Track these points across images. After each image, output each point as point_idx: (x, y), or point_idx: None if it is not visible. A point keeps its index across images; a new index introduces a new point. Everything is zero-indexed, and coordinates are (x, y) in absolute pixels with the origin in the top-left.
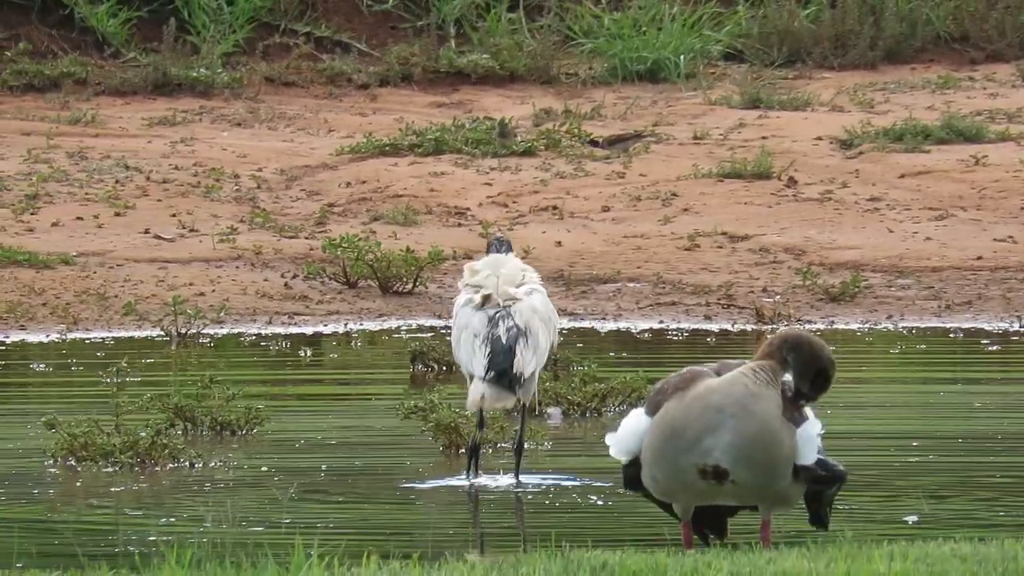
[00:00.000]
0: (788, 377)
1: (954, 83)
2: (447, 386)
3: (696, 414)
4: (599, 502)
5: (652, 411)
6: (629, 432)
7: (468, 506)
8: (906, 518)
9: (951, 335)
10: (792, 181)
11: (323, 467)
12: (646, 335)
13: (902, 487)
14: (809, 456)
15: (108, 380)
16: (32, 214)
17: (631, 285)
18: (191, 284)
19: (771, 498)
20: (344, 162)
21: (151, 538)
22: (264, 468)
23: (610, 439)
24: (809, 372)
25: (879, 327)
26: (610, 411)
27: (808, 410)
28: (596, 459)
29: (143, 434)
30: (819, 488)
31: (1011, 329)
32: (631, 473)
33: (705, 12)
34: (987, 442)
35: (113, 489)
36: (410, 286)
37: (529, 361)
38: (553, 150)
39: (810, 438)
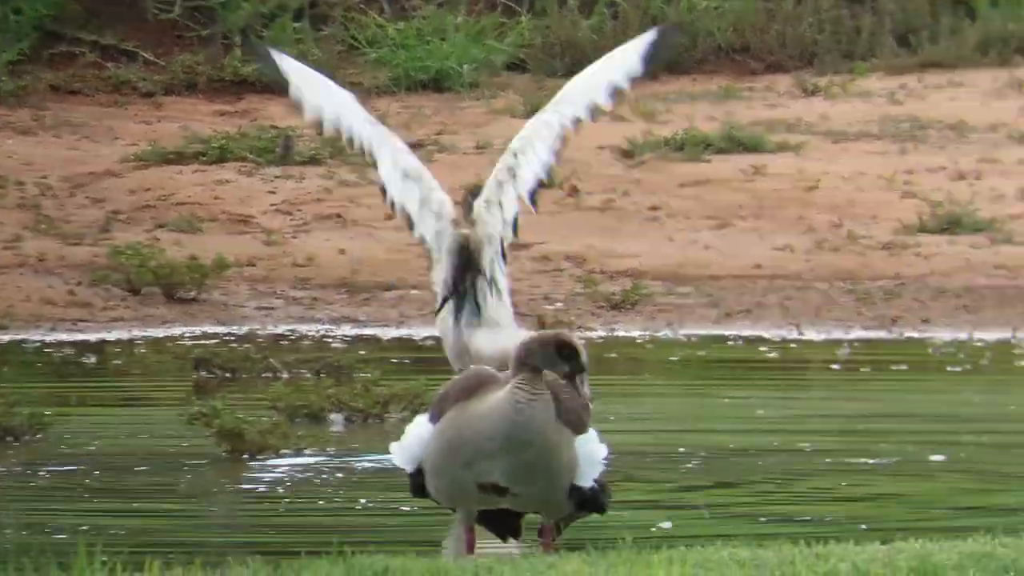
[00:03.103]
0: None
1: (735, 94)
2: (230, 392)
3: (469, 438)
4: (378, 506)
5: (435, 418)
6: (413, 439)
7: (251, 510)
8: (660, 524)
9: (730, 343)
10: (574, 190)
11: (106, 473)
12: (429, 342)
13: (667, 491)
14: (588, 479)
15: None
16: None
17: (414, 292)
18: None
19: (553, 508)
20: (129, 170)
21: None
22: (45, 473)
23: (395, 447)
24: (552, 355)
25: (659, 335)
26: (393, 417)
27: (593, 431)
28: (380, 463)
29: None
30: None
31: (789, 337)
32: (417, 480)
33: (488, 22)
34: (759, 448)
35: None
36: (194, 293)
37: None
38: (338, 158)
39: (593, 461)
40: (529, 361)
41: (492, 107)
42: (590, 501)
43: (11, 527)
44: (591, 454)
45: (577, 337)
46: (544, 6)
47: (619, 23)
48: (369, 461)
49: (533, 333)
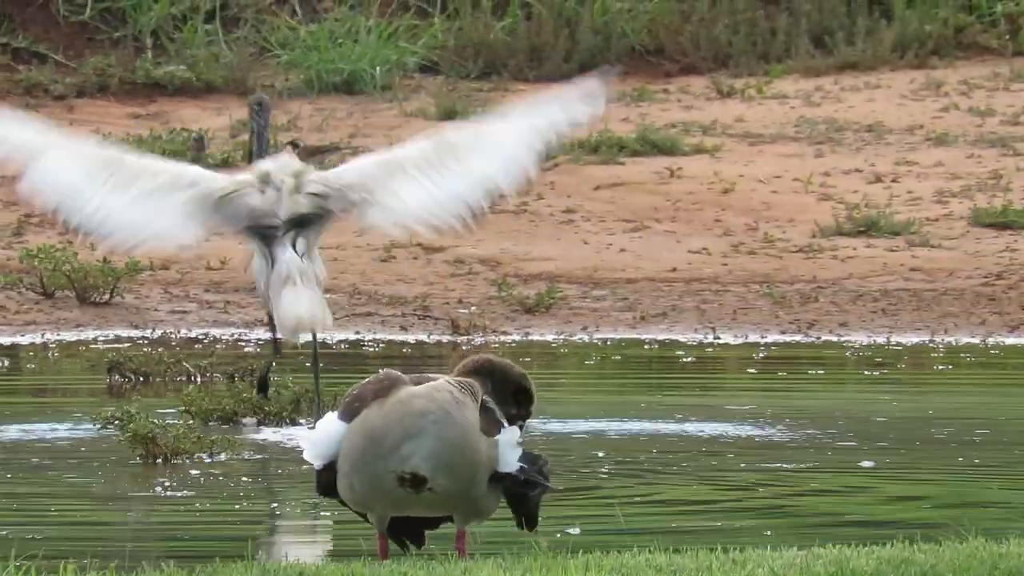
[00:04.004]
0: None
1: (649, 96)
2: (144, 397)
3: (397, 418)
4: (292, 510)
5: (349, 417)
6: (325, 436)
7: (165, 515)
8: (570, 530)
9: (646, 346)
10: None
11: (19, 477)
12: (343, 346)
13: (581, 497)
14: (511, 463)
15: None
16: None
17: (327, 296)
18: None
19: (468, 508)
20: None
21: None
22: None
23: (305, 442)
24: (508, 392)
25: (574, 338)
26: (306, 419)
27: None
28: (294, 466)
29: None
30: (523, 492)
31: (705, 340)
32: (326, 479)
33: (401, 24)
34: (675, 453)
35: None
36: (107, 296)
37: None
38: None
39: (509, 444)
40: (481, 374)
41: (405, 110)
42: (525, 483)
43: None
44: (505, 437)
45: (534, 386)
46: (457, 8)
47: (532, 24)
48: (283, 464)
49: (493, 356)
